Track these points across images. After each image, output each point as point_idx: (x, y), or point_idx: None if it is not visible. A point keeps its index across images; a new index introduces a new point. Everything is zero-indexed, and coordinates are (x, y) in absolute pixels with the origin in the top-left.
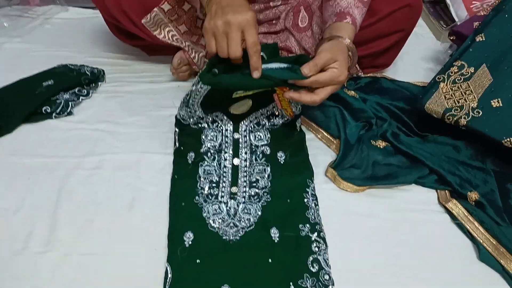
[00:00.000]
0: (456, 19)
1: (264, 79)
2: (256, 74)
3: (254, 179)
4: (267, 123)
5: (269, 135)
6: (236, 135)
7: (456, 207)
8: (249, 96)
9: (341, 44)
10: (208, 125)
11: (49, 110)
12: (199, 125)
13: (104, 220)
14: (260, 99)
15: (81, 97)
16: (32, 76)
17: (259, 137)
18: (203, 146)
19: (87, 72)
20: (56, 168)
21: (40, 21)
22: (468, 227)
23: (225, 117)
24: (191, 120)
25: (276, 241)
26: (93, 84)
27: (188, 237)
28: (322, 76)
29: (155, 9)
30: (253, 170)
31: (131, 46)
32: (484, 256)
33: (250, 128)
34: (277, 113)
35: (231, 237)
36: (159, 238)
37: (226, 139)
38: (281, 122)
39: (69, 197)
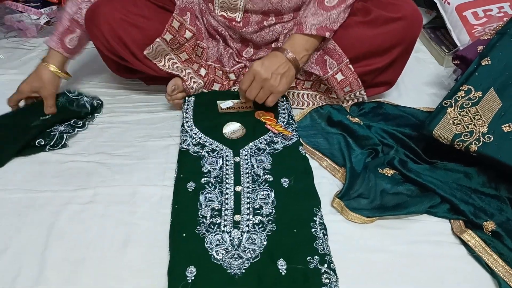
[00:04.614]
0: (458, 44)
1: None
2: None
3: (257, 206)
4: (267, 148)
5: (270, 158)
6: (237, 159)
7: (472, 238)
8: (239, 120)
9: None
10: (208, 154)
11: (43, 143)
12: (199, 153)
13: (96, 259)
14: (256, 130)
15: (76, 129)
16: (29, 108)
17: (260, 160)
18: (204, 173)
19: (86, 104)
20: (47, 203)
21: (37, 52)
22: (486, 260)
23: (224, 146)
24: (191, 149)
25: (283, 273)
26: (90, 116)
27: (191, 272)
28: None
29: (158, 39)
30: (256, 196)
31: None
32: None
33: (251, 153)
34: (276, 140)
35: (236, 270)
36: (157, 279)
37: (227, 163)
38: (281, 147)
39: (59, 235)
